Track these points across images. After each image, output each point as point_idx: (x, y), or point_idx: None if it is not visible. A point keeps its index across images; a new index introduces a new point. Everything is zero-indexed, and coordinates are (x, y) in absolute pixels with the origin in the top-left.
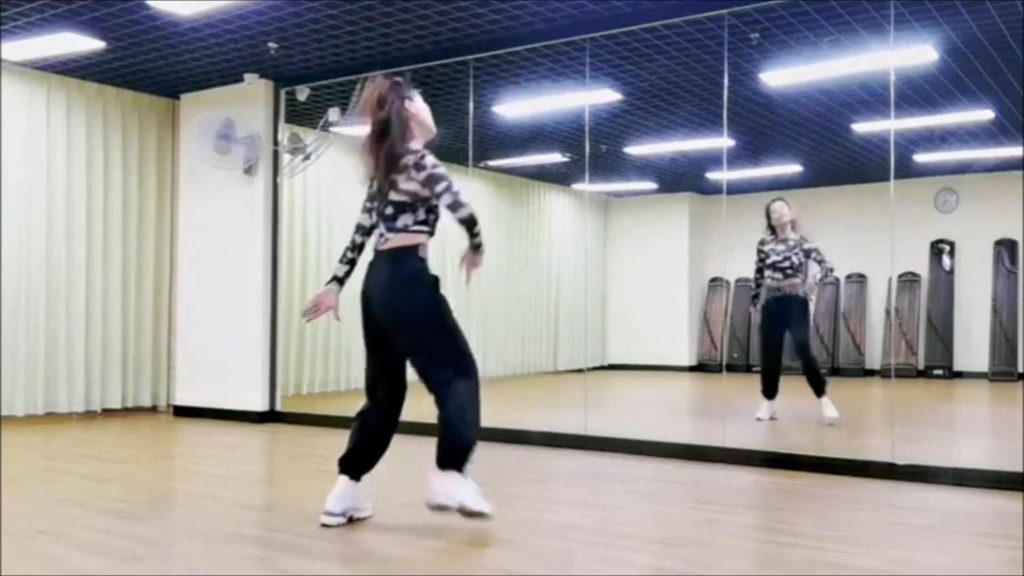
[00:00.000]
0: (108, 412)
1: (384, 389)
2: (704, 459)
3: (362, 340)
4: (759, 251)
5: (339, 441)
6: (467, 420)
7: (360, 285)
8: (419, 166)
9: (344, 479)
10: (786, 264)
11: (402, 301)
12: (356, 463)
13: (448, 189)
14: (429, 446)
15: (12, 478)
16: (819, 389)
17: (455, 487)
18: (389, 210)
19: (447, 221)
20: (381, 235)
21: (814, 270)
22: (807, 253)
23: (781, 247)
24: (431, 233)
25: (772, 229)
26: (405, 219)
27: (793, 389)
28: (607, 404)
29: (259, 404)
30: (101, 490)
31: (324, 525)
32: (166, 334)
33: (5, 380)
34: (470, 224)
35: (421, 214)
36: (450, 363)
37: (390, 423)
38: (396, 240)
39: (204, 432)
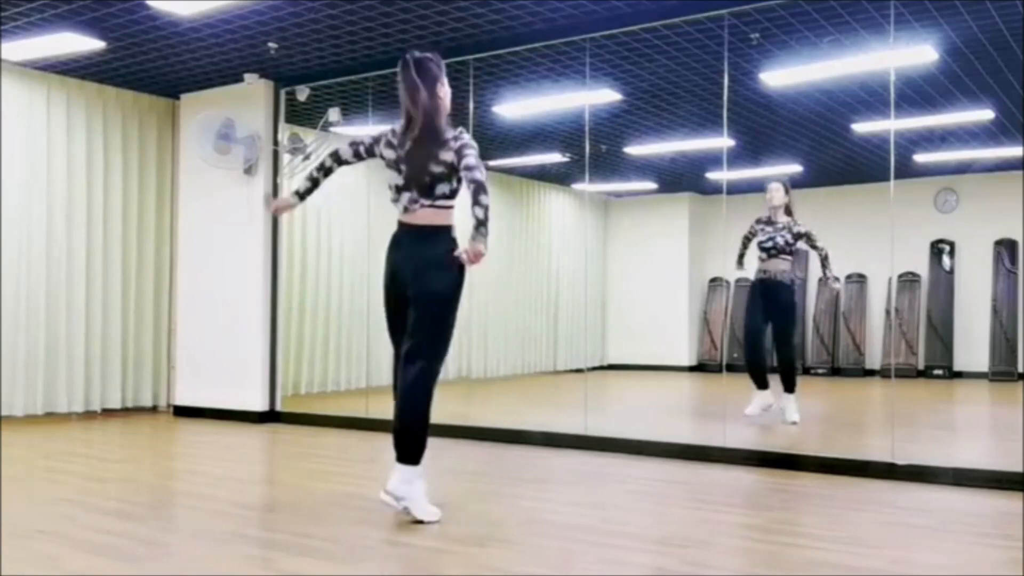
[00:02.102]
0: (108, 412)
1: None
2: (704, 459)
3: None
4: (750, 227)
5: (339, 441)
6: (416, 401)
7: (383, 260)
8: (457, 139)
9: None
10: (769, 244)
11: (435, 280)
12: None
13: (479, 167)
14: (442, 447)
15: (12, 478)
16: (789, 386)
17: (403, 487)
18: (426, 179)
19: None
20: (412, 202)
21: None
22: (797, 236)
23: (768, 228)
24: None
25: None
26: (442, 188)
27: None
28: (607, 404)
29: (259, 404)
30: (101, 490)
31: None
32: (166, 334)
33: (5, 380)
34: (479, 189)
35: (455, 183)
36: (431, 355)
37: None
38: (430, 216)
39: (204, 432)
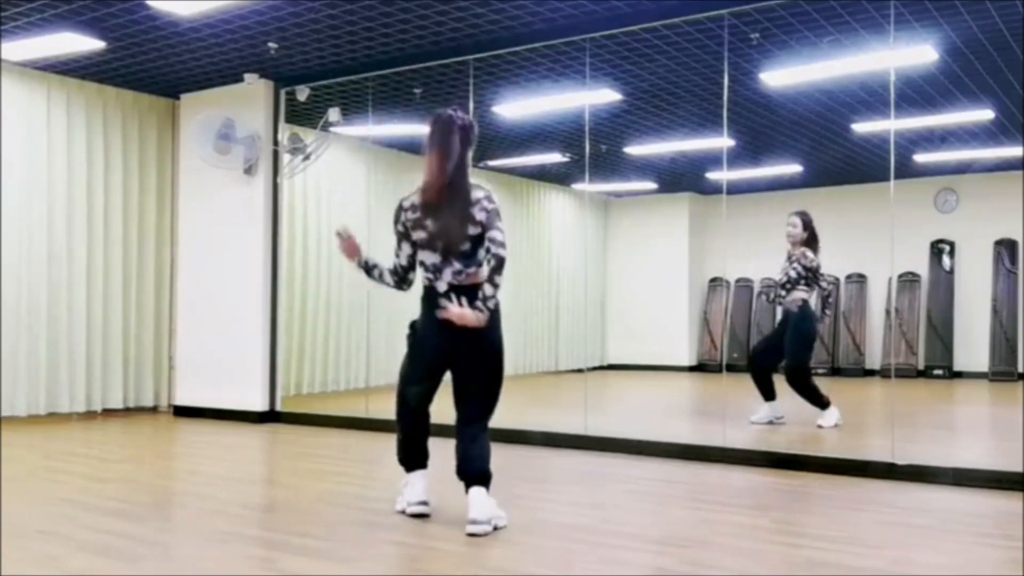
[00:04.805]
0: (109, 412)
1: (426, 401)
2: (704, 459)
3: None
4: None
5: (339, 441)
6: (487, 456)
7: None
8: (490, 199)
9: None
10: (783, 279)
11: (496, 336)
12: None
13: (505, 243)
14: (444, 446)
15: (12, 478)
16: (816, 405)
17: (491, 505)
18: (466, 246)
19: None
20: (456, 274)
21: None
22: (807, 269)
23: (784, 263)
24: None
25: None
26: (481, 252)
27: (785, 388)
28: (607, 404)
29: (259, 404)
30: (101, 490)
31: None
32: (166, 334)
33: (7, 380)
34: (499, 267)
35: (487, 244)
36: (490, 409)
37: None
38: (472, 276)
39: (204, 432)
